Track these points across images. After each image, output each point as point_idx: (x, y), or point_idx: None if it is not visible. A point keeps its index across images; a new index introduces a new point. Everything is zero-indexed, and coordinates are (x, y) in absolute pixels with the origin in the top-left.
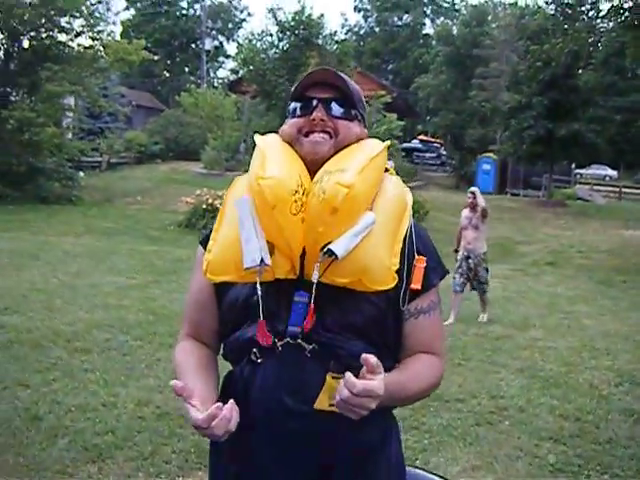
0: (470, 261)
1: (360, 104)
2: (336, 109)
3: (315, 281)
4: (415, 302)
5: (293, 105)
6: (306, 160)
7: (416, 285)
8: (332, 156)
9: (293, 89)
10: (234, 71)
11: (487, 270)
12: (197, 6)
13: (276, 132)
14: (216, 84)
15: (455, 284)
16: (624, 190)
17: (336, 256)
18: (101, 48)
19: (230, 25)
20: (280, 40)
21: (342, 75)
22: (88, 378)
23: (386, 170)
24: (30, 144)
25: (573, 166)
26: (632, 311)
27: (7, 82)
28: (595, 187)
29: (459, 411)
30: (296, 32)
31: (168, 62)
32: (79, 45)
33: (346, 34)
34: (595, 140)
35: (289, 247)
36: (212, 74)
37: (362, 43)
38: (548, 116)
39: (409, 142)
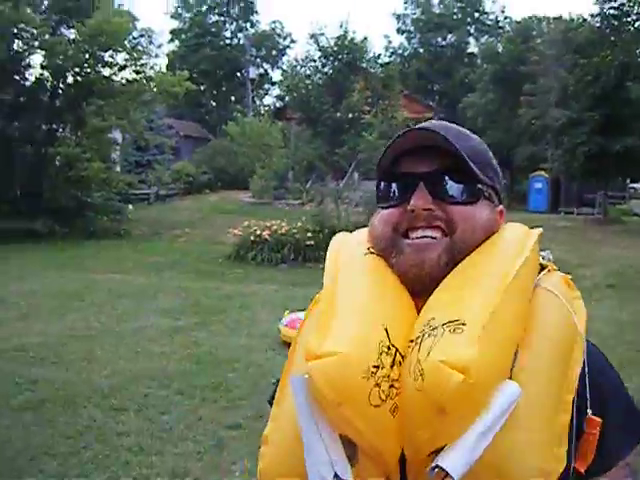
0: None
1: (488, 169)
2: (449, 187)
3: None
4: None
5: (383, 187)
6: (406, 277)
7: (580, 466)
8: (447, 271)
9: (379, 161)
10: (279, 98)
11: None
12: (240, 35)
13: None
14: (262, 111)
15: None
16: None
17: (452, 478)
18: (145, 81)
19: (274, 52)
20: (324, 65)
21: (455, 130)
22: (121, 444)
23: (542, 269)
24: (77, 179)
25: (628, 181)
26: None
27: (53, 119)
28: None
29: None
30: (339, 57)
31: (214, 92)
32: (123, 79)
33: (390, 57)
34: None
35: (377, 452)
36: (258, 102)
37: (406, 65)
38: (601, 131)
39: None
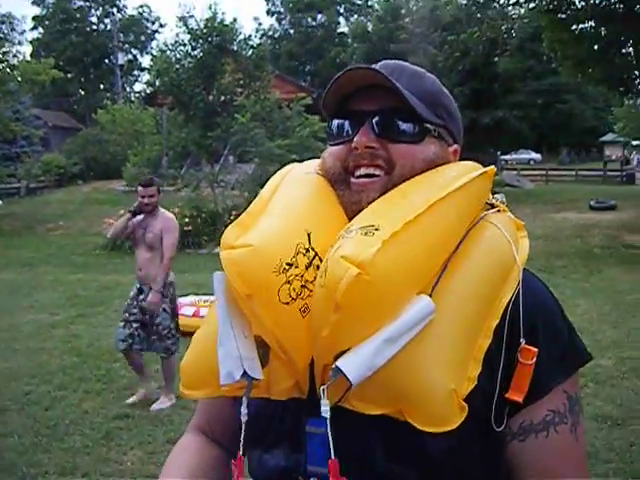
0: (142, 297)
1: (440, 109)
2: (393, 126)
3: (326, 415)
4: (520, 416)
5: (334, 124)
6: (346, 213)
7: (516, 396)
8: None
9: (325, 95)
10: (150, 84)
11: (172, 314)
12: (107, 20)
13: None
14: (133, 98)
15: (117, 338)
16: (550, 173)
17: (349, 381)
18: (8, 70)
19: (143, 37)
20: (194, 49)
21: (410, 71)
22: (6, 445)
23: (491, 207)
24: None
25: (498, 153)
26: (578, 298)
27: None
28: (522, 172)
29: None
30: (209, 39)
31: (82, 79)
32: None
33: (261, 38)
34: (519, 125)
35: (285, 352)
36: (128, 89)
37: (278, 46)
38: (470, 105)
39: None
